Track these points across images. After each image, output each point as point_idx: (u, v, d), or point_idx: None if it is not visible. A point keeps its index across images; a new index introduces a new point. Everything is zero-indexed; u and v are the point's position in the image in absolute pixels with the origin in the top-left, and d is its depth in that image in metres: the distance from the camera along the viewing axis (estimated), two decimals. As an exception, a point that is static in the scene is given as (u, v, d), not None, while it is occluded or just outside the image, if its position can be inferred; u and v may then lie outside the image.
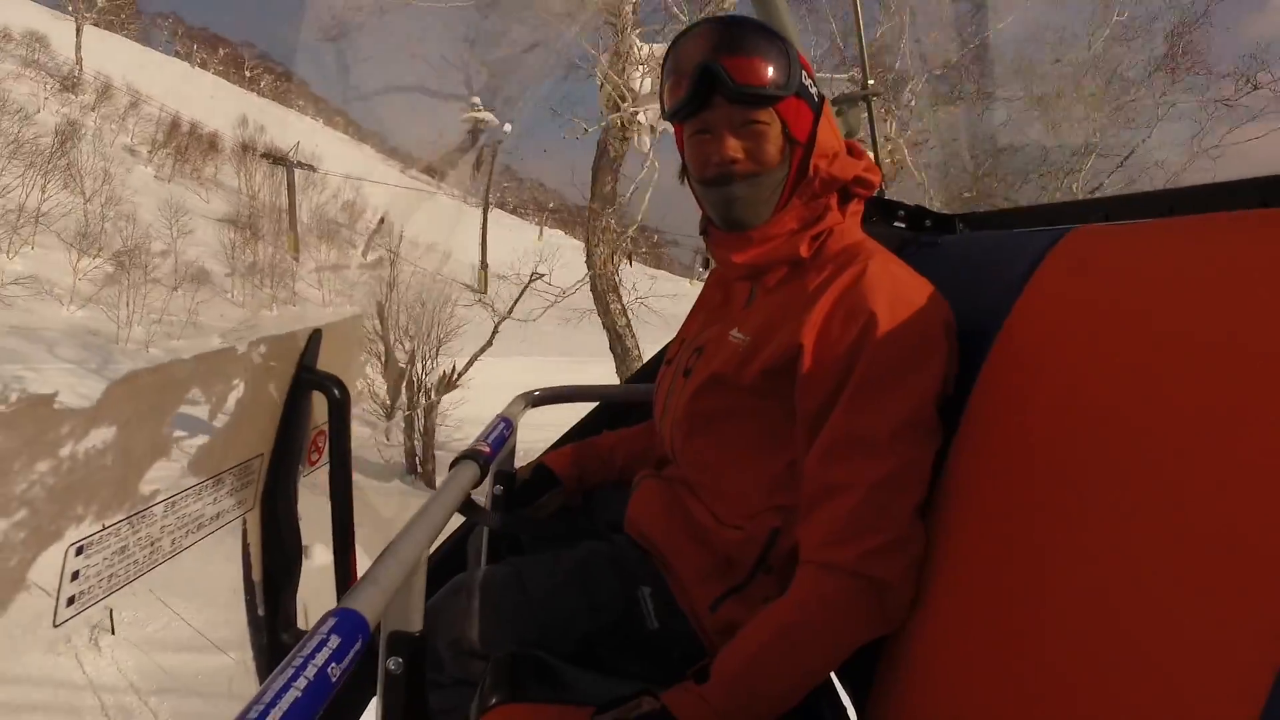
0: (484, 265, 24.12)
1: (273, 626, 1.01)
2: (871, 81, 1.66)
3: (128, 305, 15.48)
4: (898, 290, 0.96)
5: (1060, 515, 0.72)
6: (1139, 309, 0.74)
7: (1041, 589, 0.71)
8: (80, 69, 20.99)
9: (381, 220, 22.47)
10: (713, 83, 1.00)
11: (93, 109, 18.61)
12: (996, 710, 0.73)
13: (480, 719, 0.92)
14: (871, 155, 1.58)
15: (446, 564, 1.56)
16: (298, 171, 21.88)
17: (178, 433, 0.75)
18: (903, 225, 1.54)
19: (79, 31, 22.07)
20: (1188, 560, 0.57)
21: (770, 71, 0.99)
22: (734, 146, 1.01)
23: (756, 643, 0.87)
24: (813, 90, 1.05)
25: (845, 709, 1.08)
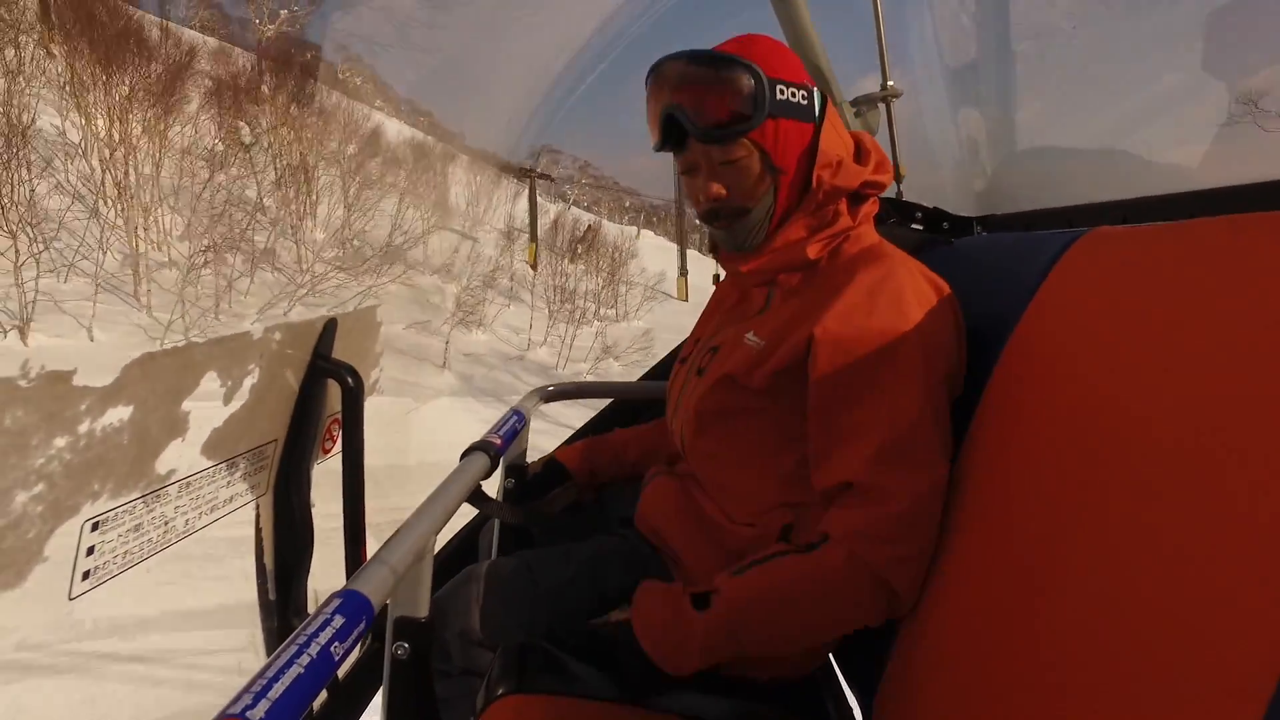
0: (683, 273, 22.97)
1: (283, 611, 1.02)
2: (891, 83, 1.65)
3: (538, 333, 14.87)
4: (918, 292, 0.95)
5: (1069, 517, 0.71)
6: (1156, 310, 0.73)
7: (1050, 589, 0.71)
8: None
9: (589, 229, 21.59)
10: (679, 126, 1.00)
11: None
12: (1001, 709, 0.72)
13: (487, 709, 0.93)
14: (889, 156, 1.58)
15: (457, 557, 1.57)
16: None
17: (193, 415, 0.76)
18: (920, 227, 1.54)
19: (260, 42, 21.30)
20: (1197, 562, 0.57)
21: (734, 103, 0.97)
22: (716, 187, 1.02)
23: (766, 595, 0.87)
24: (800, 100, 1.01)
25: (850, 707, 1.08)
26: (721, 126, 0.98)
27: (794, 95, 1.00)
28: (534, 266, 18.54)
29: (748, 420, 1.04)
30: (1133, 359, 0.72)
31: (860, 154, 1.07)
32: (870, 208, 1.07)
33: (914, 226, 1.54)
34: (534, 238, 19.22)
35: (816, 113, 1.02)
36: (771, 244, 1.04)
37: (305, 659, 0.53)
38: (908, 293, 0.94)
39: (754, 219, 1.03)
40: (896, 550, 0.86)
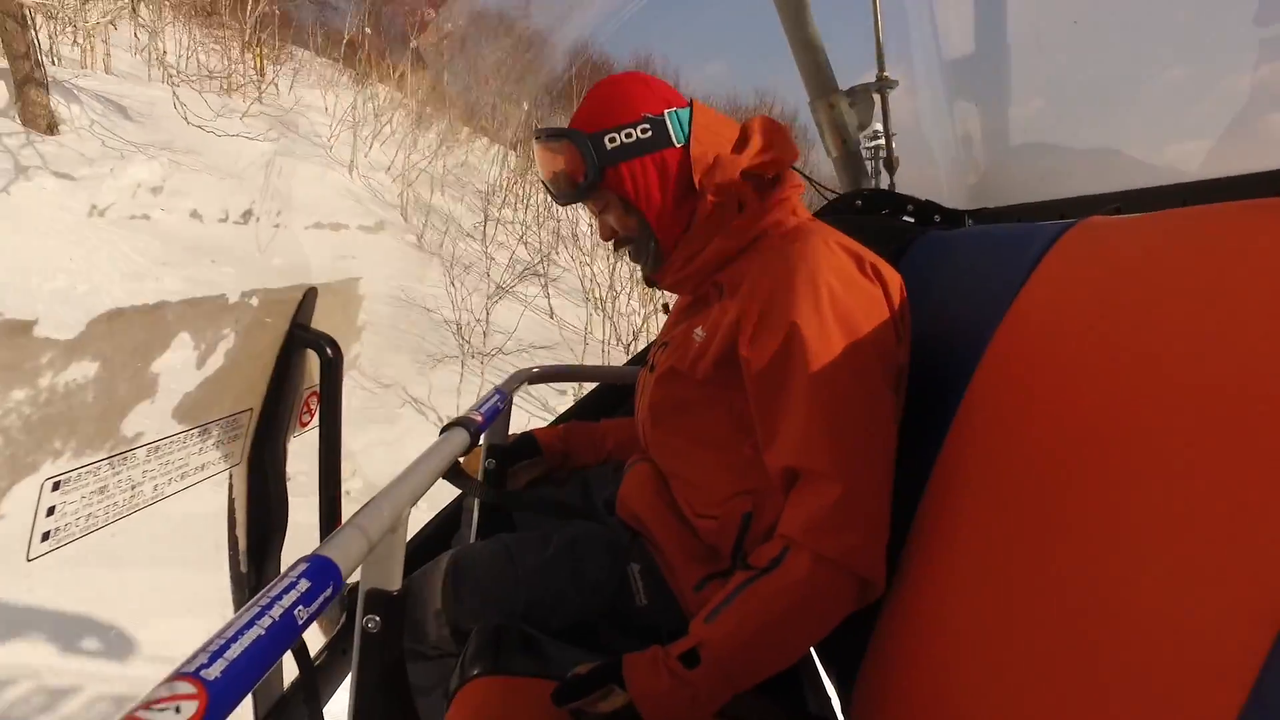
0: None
1: (256, 584, 1.00)
2: (886, 73, 1.64)
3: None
4: (836, 268, 0.95)
5: (1051, 509, 0.70)
6: (1144, 301, 0.71)
7: (1030, 580, 0.70)
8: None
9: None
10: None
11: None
12: (979, 697, 0.72)
13: (460, 690, 0.91)
14: (886, 146, 1.57)
15: (436, 539, 1.55)
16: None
17: (163, 376, 0.74)
18: (911, 219, 1.53)
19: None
20: (1177, 559, 0.56)
21: (573, 176, 1.08)
22: (605, 228, 1.15)
23: (749, 629, 0.85)
24: (640, 135, 1.05)
25: (829, 696, 1.07)
26: (569, 194, 1.11)
27: (629, 136, 1.05)
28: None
29: (701, 412, 1.06)
30: (1122, 347, 0.71)
31: (746, 136, 1.09)
32: (786, 192, 1.08)
33: (905, 218, 1.53)
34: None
35: (672, 136, 1.05)
36: (678, 255, 1.09)
37: (267, 620, 0.51)
38: (823, 269, 0.94)
39: (641, 246, 1.11)
40: (849, 538, 0.85)
